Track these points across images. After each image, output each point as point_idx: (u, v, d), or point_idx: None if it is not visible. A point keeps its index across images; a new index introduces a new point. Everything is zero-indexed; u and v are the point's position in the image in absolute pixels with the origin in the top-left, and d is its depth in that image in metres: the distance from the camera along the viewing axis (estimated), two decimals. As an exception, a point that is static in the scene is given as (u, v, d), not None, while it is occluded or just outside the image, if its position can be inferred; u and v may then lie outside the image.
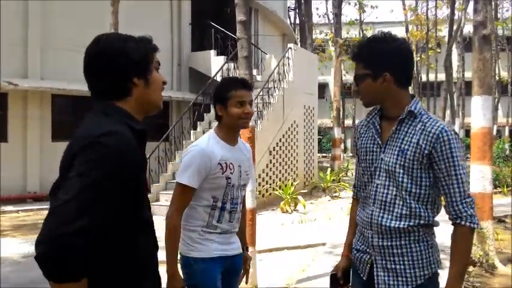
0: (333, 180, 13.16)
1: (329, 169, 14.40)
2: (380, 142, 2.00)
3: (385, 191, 1.96)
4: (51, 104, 12.03)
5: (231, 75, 12.85)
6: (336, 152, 16.69)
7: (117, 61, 1.49)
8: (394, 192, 1.94)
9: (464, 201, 1.87)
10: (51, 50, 11.69)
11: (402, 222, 1.92)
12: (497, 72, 27.58)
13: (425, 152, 1.87)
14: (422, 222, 1.93)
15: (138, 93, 1.53)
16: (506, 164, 16.75)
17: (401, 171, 1.91)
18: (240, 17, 5.20)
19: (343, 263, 2.27)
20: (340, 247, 6.90)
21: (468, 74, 24.23)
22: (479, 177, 5.54)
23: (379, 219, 1.96)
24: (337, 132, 16.71)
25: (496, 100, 26.73)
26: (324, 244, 6.75)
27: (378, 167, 1.99)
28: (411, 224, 1.92)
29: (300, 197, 10.13)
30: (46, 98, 11.89)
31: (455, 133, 1.90)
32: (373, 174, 2.01)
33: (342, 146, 20.26)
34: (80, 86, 11.51)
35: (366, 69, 1.96)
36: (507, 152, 21.29)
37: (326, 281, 4.91)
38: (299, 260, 5.88)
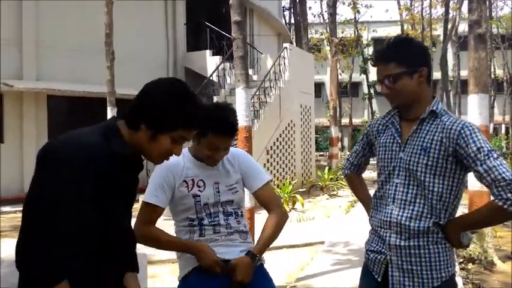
0: (331, 178, 13.17)
1: (327, 168, 14.41)
2: (400, 141, 1.99)
3: (405, 189, 1.94)
4: (47, 104, 11.99)
5: (226, 75, 12.86)
6: (334, 150, 16.71)
7: (146, 105, 1.50)
8: (414, 191, 1.93)
9: (500, 185, 1.74)
10: (46, 50, 11.64)
11: (422, 222, 1.90)
12: (492, 70, 27.68)
13: (450, 149, 1.86)
14: (442, 222, 1.91)
15: (140, 136, 1.53)
16: (502, 161, 16.78)
17: (424, 169, 1.90)
18: (235, 17, 5.20)
19: None
20: (339, 245, 6.87)
21: (464, 73, 24.29)
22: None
23: (399, 217, 1.93)
24: (334, 131, 16.73)
25: (492, 98, 26.84)
26: (322, 242, 6.75)
27: (396, 166, 1.98)
28: (431, 223, 1.90)
29: (298, 196, 10.13)
30: (42, 98, 11.85)
31: (477, 127, 1.88)
32: (392, 174, 1.99)
33: (339, 144, 20.28)
34: (75, 87, 11.51)
35: (400, 67, 1.91)
36: (504, 150, 21.38)
37: (325, 280, 4.93)
38: (298, 259, 5.89)
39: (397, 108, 2.05)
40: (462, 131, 1.84)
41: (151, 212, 2.13)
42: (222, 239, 2.17)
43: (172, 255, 6.02)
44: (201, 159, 2.20)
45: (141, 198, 2.23)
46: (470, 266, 5.19)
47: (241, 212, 2.26)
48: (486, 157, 1.79)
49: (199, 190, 2.14)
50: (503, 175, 1.75)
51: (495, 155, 1.80)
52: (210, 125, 2.03)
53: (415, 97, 1.95)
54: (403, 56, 1.92)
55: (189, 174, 2.15)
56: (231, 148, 2.29)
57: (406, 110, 2.01)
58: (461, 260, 5.29)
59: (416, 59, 1.93)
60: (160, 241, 2.15)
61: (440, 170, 1.89)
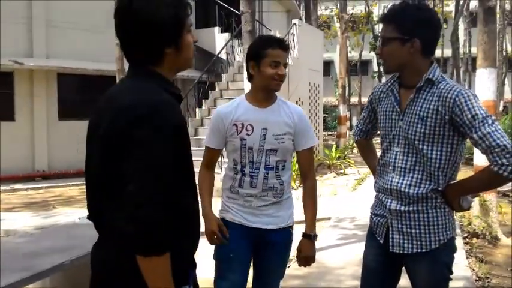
0: (338, 157, 13.21)
1: (334, 146, 14.43)
2: (399, 110, 2.02)
3: (405, 157, 1.99)
4: (57, 82, 12.07)
5: (235, 52, 12.83)
6: (342, 129, 16.70)
7: (148, 31, 1.42)
8: (414, 159, 1.97)
9: (495, 151, 1.76)
10: (56, 28, 11.68)
11: (421, 189, 1.95)
12: (504, 47, 27.21)
13: (446, 117, 1.87)
14: (440, 188, 1.95)
15: (169, 60, 1.49)
16: (512, 139, 16.64)
17: (422, 138, 1.93)
18: (243, -9, 5.19)
19: None
20: (345, 221, 6.91)
21: (475, 50, 23.90)
22: (483, 150, 5.56)
23: (399, 185, 1.99)
24: (342, 110, 16.69)
25: (503, 75, 26.44)
26: (328, 218, 6.82)
27: (396, 135, 2.02)
28: (430, 189, 1.94)
29: (305, 173, 10.17)
30: (52, 76, 11.93)
31: (473, 94, 1.87)
32: (392, 142, 2.04)
33: (348, 123, 20.22)
34: (85, 65, 11.56)
35: (396, 31, 1.94)
36: (513, 128, 21.16)
37: (331, 254, 5.00)
38: (304, 234, 5.95)
39: (388, 73, 2.11)
40: (457, 99, 1.85)
41: (208, 153, 2.46)
42: (254, 203, 2.36)
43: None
44: (262, 89, 2.33)
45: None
46: (474, 240, 5.23)
47: (284, 165, 2.39)
48: (481, 124, 1.80)
49: (247, 134, 2.32)
50: (498, 141, 1.76)
51: (490, 121, 1.81)
52: (268, 43, 2.29)
53: (405, 66, 1.98)
54: (402, 21, 1.94)
55: (239, 118, 2.33)
56: (293, 105, 2.47)
57: (402, 77, 2.05)
58: (465, 235, 5.34)
59: (413, 28, 1.92)
60: (200, 187, 2.33)
61: (438, 138, 1.92)
